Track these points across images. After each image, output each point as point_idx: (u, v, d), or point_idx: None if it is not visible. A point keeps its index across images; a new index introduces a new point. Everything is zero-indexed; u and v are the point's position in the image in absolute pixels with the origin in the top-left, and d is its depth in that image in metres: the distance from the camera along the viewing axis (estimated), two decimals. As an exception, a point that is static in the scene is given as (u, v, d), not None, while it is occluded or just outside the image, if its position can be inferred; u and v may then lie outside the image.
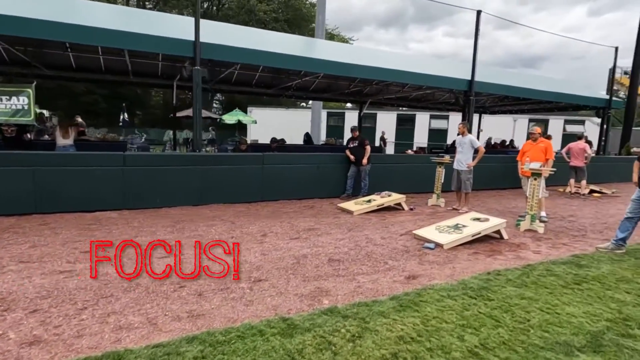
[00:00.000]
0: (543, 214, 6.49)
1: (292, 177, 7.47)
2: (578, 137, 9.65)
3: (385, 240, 4.88)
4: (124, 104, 15.44)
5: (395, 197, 6.91)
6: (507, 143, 16.70)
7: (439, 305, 2.98)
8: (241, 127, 25.31)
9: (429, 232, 4.93)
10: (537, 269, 3.86)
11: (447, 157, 7.54)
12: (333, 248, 4.45)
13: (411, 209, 6.99)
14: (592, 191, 10.09)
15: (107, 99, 26.96)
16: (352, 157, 7.75)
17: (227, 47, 6.99)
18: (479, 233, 4.82)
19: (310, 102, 17.38)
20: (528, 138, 6.80)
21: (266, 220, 5.72)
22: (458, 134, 7.20)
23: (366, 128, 24.39)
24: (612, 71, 12.27)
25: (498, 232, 5.11)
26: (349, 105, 26.73)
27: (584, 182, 9.50)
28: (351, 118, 23.38)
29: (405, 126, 23.93)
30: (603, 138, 12.90)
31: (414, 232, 5.08)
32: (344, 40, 34.10)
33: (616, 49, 12.13)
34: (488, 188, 10.00)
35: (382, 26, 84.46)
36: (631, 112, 18.10)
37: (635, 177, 4.73)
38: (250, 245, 4.46)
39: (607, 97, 12.34)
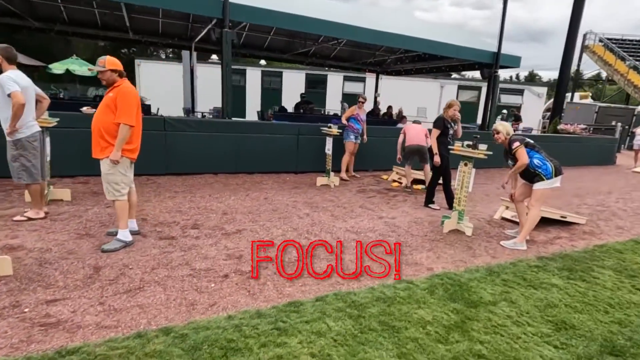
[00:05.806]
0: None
1: None
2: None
3: None
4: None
5: None
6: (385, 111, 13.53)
7: None
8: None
9: None
10: None
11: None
12: None
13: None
14: (415, 181, 6.88)
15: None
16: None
17: None
18: None
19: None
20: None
21: None
22: None
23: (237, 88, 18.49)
24: (502, 16, 8.71)
25: None
26: (263, 62, 22.98)
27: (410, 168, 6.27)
28: (254, 76, 19.62)
29: (273, 87, 19.59)
30: (489, 108, 9.49)
31: None
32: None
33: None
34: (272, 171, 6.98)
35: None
36: (565, 78, 14.60)
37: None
38: None
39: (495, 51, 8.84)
